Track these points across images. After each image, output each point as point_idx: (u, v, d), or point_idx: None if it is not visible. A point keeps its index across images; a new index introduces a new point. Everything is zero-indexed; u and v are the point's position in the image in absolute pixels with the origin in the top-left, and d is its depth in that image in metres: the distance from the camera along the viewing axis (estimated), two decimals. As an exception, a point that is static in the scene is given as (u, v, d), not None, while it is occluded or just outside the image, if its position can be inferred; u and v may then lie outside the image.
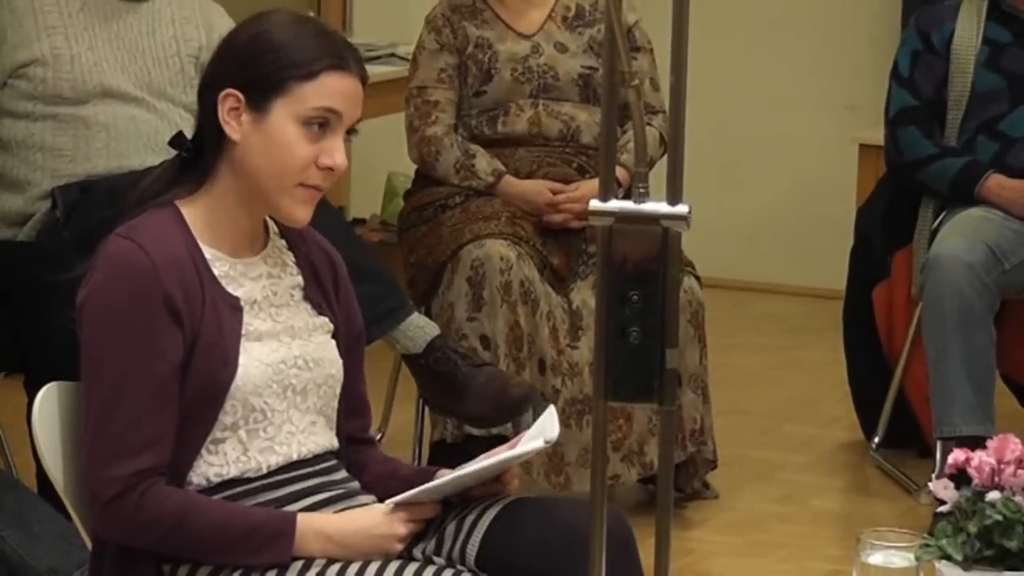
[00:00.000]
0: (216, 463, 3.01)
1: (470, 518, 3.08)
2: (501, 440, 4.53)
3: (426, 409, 5.20)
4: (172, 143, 3.29)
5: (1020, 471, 2.56)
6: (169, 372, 2.95)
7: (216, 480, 3.01)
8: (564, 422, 4.80)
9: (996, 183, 5.34)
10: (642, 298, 2.01)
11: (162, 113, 4.65)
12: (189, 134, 3.17)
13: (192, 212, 3.06)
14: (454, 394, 4.87)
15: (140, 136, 4.61)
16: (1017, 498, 2.54)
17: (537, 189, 5.16)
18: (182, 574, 2.99)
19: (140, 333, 2.94)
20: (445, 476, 3.13)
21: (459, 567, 3.03)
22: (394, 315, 4.82)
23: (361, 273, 4.26)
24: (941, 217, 5.44)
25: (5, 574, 4.06)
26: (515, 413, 4.86)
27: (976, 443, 2.73)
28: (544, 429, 3.13)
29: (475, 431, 4.95)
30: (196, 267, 3.02)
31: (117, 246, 3.00)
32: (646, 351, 2.02)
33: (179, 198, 3.07)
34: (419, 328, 4.86)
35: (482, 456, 3.15)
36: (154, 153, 4.35)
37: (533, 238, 5.13)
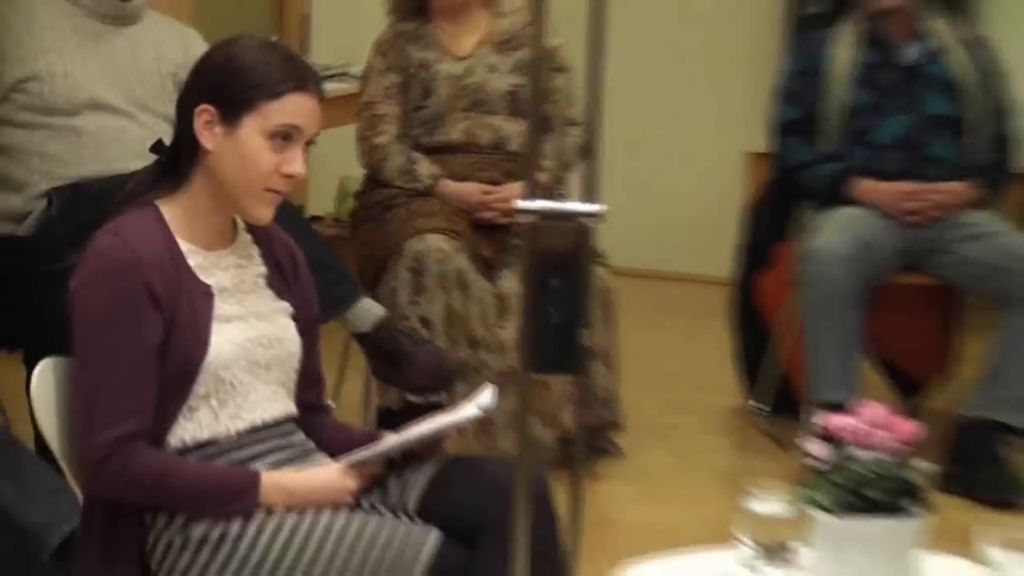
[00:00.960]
0: (191, 428, 3.00)
1: (411, 474, 3.10)
2: (437, 407, 4.47)
3: (373, 381, 5.20)
4: (153, 150, 3.29)
5: (883, 433, 2.54)
6: (149, 350, 2.93)
7: (191, 442, 3.00)
8: (489, 392, 4.91)
9: (868, 186, 5.33)
10: (560, 284, 2.01)
11: (144, 124, 4.57)
12: (168, 142, 3.15)
13: (170, 211, 3.06)
14: (398, 367, 4.88)
15: (125, 144, 4.52)
16: (881, 456, 2.53)
17: (470, 190, 5.14)
18: (161, 523, 2.96)
19: (124, 317, 2.94)
20: (391, 439, 3.14)
21: (401, 515, 3.03)
22: (346, 299, 4.81)
23: (318, 263, 4.22)
24: (818, 214, 5.42)
25: None
26: (450, 383, 4.91)
27: (842, 408, 2.65)
28: (480, 400, 3.14)
29: (415, 399, 4.96)
30: (173, 259, 3.02)
31: (104, 241, 3.01)
32: (563, 330, 2.02)
33: (159, 198, 3.08)
34: (368, 310, 4.85)
35: (423, 421, 3.15)
36: (138, 159, 4.05)
37: (467, 233, 5.13)
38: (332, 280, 4.67)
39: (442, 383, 4.93)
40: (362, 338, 4.89)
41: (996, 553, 2.60)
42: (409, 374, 4.88)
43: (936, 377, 5.94)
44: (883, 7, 5.45)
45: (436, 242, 5.00)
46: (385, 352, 4.89)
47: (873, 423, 2.59)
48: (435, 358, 4.90)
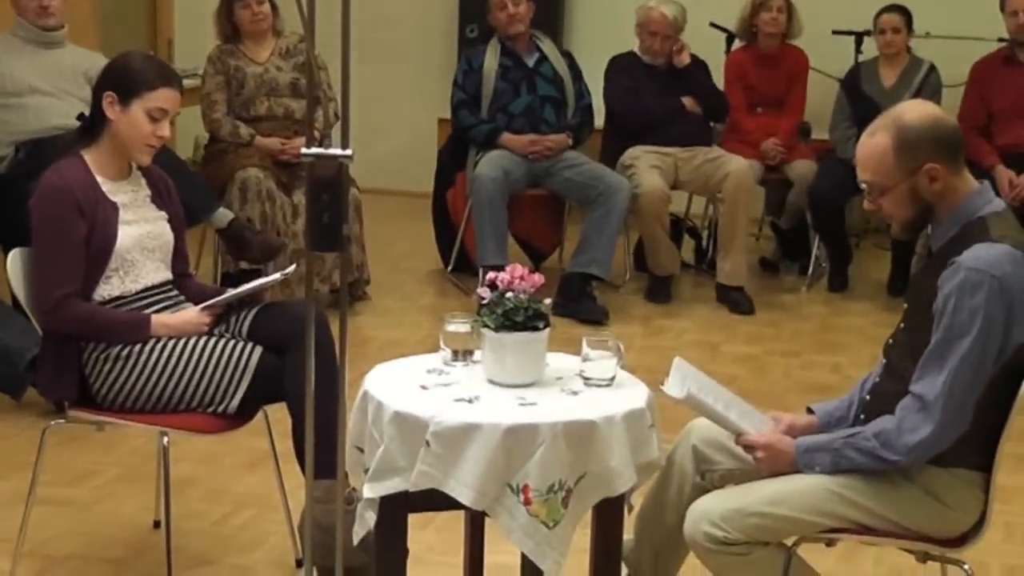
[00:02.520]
0: (107, 289, 3.03)
1: (244, 310, 3.14)
2: (260, 272, 4.85)
3: (220, 256, 5.22)
4: (78, 118, 3.34)
5: (522, 283, 2.55)
6: (78, 241, 2.95)
7: (107, 298, 3.03)
8: (290, 263, 4.90)
9: (507, 138, 5.60)
10: (329, 197, 2.01)
11: (64, 101, 4.62)
12: (87, 115, 3.15)
13: (89, 157, 3.06)
14: (243, 248, 4.97)
15: (53, 113, 4.59)
16: (521, 296, 2.53)
17: (273, 143, 5.25)
18: (91, 347, 2.99)
19: (62, 222, 2.94)
20: (231, 291, 3.15)
21: (238, 337, 3.09)
22: (211, 208, 4.94)
23: (193, 188, 4.60)
24: (479, 155, 5.63)
25: None
26: (274, 256, 4.99)
27: (498, 268, 2.62)
28: (284, 270, 3.23)
29: (248, 267, 4.99)
30: (92, 186, 3.01)
31: (49, 176, 3.00)
32: (331, 225, 2.00)
33: (83, 149, 3.06)
34: (224, 214, 4.97)
35: (251, 282, 3.21)
36: (63, 120, 4.40)
37: (272, 167, 5.21)
38: (201, 197, 4.86)
39: (269, 256, 4.98)
40: (221, 231, 5.00)
41: (588, 350, 2.61)
42: (250, 252, 4.96)
43: (551, 249, 6.25)
44: (511, 33, 5.70)
45: (254, 172, 5.10)
46: (235, 239, 4.97)
47: (516, 276, 2.57)
48: (266, 241, 4.98)
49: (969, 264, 2.40)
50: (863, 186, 2.54)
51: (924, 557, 2.59)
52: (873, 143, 2.48)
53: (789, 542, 2.54)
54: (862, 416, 2.62)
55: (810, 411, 2.77)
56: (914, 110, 2.50)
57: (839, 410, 2.72)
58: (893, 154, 2.45)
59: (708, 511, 2.49)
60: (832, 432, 2.62)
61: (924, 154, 2.45)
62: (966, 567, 2.57)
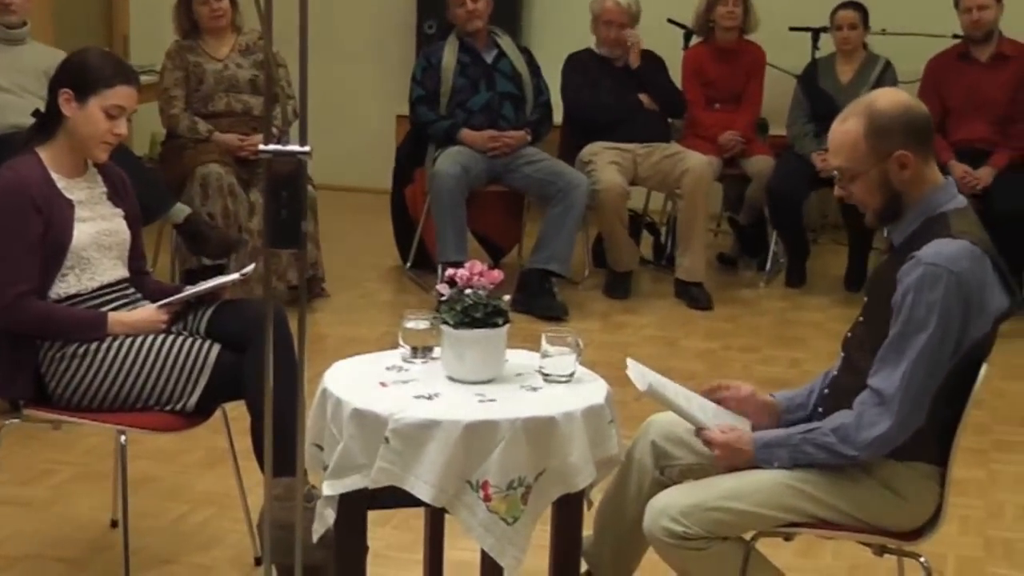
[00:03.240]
0: (63, 287, 3.01)
1: (201, 308, 3.14)
2: (221, 268, 4.90)
3: (178, 253, 5.20)
4: (34, 115, 3.33)
5: (481, 279, 2.55)
6: (34, 239, 2.93)
7: (64, 296, 3.01)
8: (251, 260, 4.92)
9: (466, 134, 5.59)
10: (287, 194, 2.01)
11: (23, 98, 4.62)
12: (43, 110, 3.15)
13: (45, 154, 3.04)
14: (202, 243, 4.97)
15: (12, 108, 4.59)
16: (480, 292, 2.54)
17: (231, 139, 5.26)
18: (47, 346, 2.98)
19: (18, 219, 2.92)
20: (189, 289, 3.15)
21: (196, 335, 3.09)
22: (167, 204, 4.94)
23: (149, 184, 4.56)
24: (438, 151, 5.62)
25: None
26: (232, 251, 5.03)
27: (457, 265, 2.62)
28: (244, 269, 3.23)
29: (209, 263, 5.00)
30: (48, 183, 2.99)
31: (3, 173, 2.99)
32: (289, 222, 2.01)
33: (38, 146, 3.05)
34: (181, 210, 4.97)
35: (209, 280, 3.21)
36: (20, 117, 4.34)
37: (232, 164, 5.22)
38: (158, 194, 4.85)
39: (227, 251, 5.01)
40: (178, 227, 5.00)
41: (548, 347, 2.61)
42: (209, 248, 4.97)
43: (510, 245, 6.24)
44: (470, 30, 5.70)
45: (215, 168, 5.11)
46: (194, 235, 4.97)
47: (475, 273, 2.57)
48: (224, 237, 5.00)
49: (928, 259, 2.41)
50: (834, 173, 2.55)
51: (881, 550, 2.61)
52: (845, 129, 2.49)
53: (748, 536, 2.56)
54: (820, 410, 2.63)
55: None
56: (886, 97, 2.51)
57: (799, 396, 2.73)
58: (864, 140, 2.46)
59: (668, 506, 2.50)
60: (790, 415, 2.66)
61: (895, 140, 2.46)
62: (922, 560, 2.59)
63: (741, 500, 2.49)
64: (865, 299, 2.63)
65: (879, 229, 2.73)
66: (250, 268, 3.24)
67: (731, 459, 2.57)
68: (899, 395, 2.41)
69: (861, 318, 2.61)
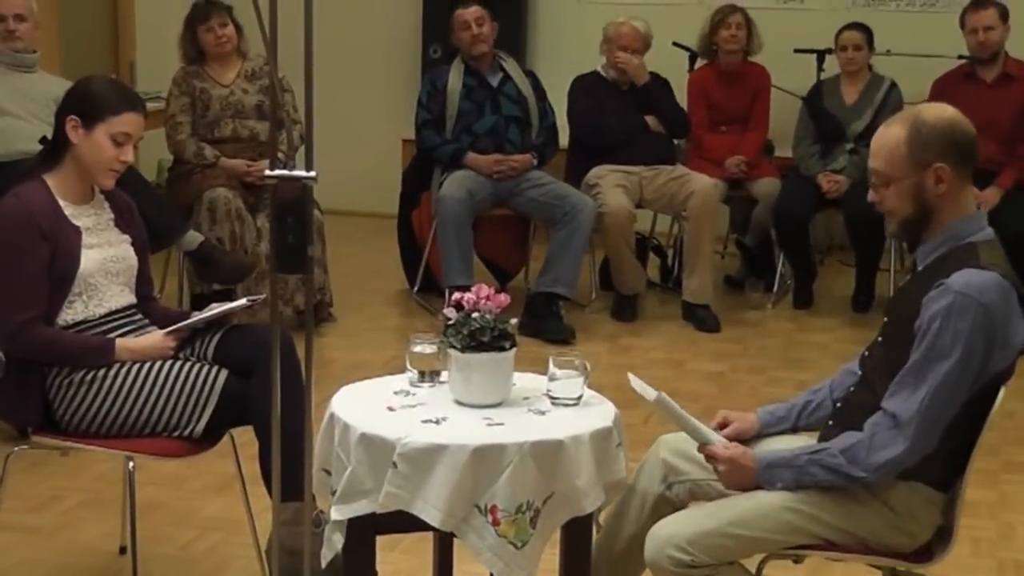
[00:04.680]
0: (71, 314, 3.02)
1: (209, 333, 3.15)
2: (231, 293, 4.94)
3: (186, 278, 5.21)
4: (41, 142, 3.36)
5: (488, 302, 2.56)
6: (41, 266, 2.94)
7: (71, 322, 3.02)
8: (258, 285, 5.00)
9: (472, 158, 5.58)
10: (293, 219, 2.03)
11: (32, 124, 4.65)
12: (49, 138, 3.16)
13: (52, 181, 3.05)
14: (214, 269, 5.00)
15: (21, 135, 4.62)
16: (487, 315, 2.55)
17: (239, 164, 5.28)
18: (54, 372, 2.99)
19: (25, 246, 2.93)
20: (196, 315, 3.16)
21: (203, 360, 3.10)
22: (180, 231, 4.97)
23: (160, 210, 4.64)
24: (444, 175, 5.65)
25: None
26: (247, 275, 5.04)
27: (464, 288, 2.64)
28: (253, 296, 3.28)
29: (219, 287, 5.02)
30: (54, 210, 3.01)
31: (9, 201, 3.00)
32: (296, 247, 2.04)
33: (45, 173, 3.06)
34: (193, 236, 5.00)
35: (218, 306, 3.20)
36: (28, 143, 4.35)
37: (239, 188, 5.24)
38: (169, 221, 4.91)
39: (243, 276, 5.03)
40: (190, 254, 5.01)
41: (555, 370, 2.61)
42: (221, 273, 5.00)
43: (517, 269, 6.22)
44: (475, 54, 5.72)
45: (223, 192, 5.12)
46: (205, 260, 5.00)
47: (482, 296, 2.57)
48: (238, 261, 5.04)
49: (958, 288, 2.40)
50: (871, 176, 2.54)
51: (892, 573, 2.60)
52: (888, 133, 2.50)
53: (757, 559, 2.56)
54: (830, 423, 2.62)
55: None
56: (934, 110, 2.51)
57: (780, 410, 2.75)
58: (906, 146, 2.46)
59: (673, 535, 2.48)
60: (772, 428, 2.70)
61: (935, 153, 2.45)
62: (933, 582, 2.59)
63: (747, 526, 2.49)
64: (885, 319, 2.63)
65: (898, 240, 2.71)
66: (260, 298, 3.27)
67: (733, 476, 2.56)
68: (916, 420, 2.41)
69: (880, 338, 2.61)
